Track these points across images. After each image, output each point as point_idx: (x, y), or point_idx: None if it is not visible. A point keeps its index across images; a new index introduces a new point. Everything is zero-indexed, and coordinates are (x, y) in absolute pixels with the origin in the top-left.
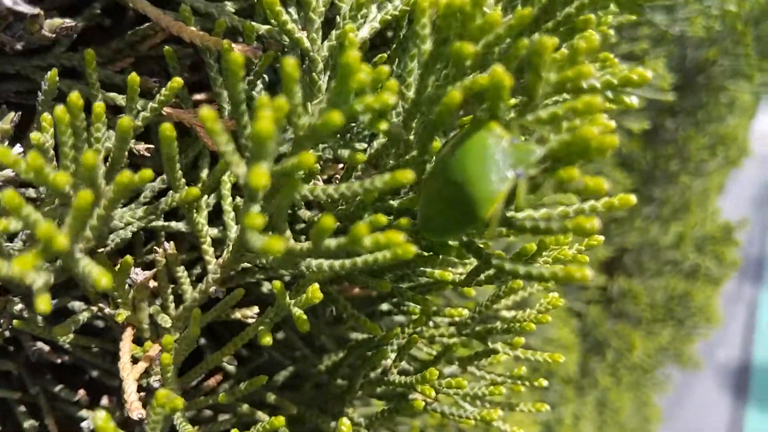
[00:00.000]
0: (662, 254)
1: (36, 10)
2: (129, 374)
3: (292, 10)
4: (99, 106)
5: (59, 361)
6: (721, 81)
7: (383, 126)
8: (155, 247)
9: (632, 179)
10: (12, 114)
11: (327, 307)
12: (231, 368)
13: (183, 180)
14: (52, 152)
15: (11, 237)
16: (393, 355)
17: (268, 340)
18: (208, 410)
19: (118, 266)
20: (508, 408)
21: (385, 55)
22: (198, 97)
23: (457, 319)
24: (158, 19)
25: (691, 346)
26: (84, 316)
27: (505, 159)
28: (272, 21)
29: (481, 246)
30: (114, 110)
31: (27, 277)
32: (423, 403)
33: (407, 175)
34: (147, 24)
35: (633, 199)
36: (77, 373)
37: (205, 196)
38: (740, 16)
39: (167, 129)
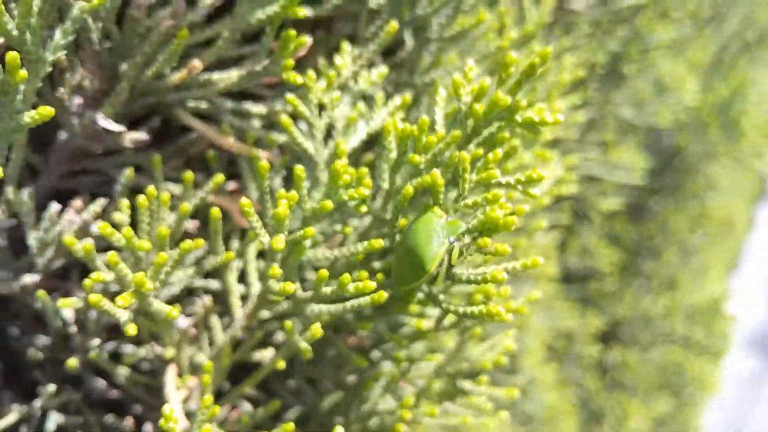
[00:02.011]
0: (654, 326)
1: (122, 128)
2: (174, 396)
3: (303, 125)
4: (166, 196)
5: (114, 393)
6: (695, 163)
7: (363, 209)
8: (197, 299)
9: (619, 255)
10: (102, 200)
11: (328, 349)
12: (249, 408)
13: (223, 247)
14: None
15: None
16: (380, 391)
17: (281, 365)
18: None
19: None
20: None
21: (371, 157)
22: (232, 186)
23: (434, 363)
24: (205, 133)
25: (696, 422)
26: (141, 353)
27: (442, 231)
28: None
29: (439, 296)
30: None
31: (121, 313)
32: (404, 427)
33: (379, 242)
34: (195, 135)
35: (540, 261)
36: (126, 410)
37: (236, 261)
38: (704, 107)
39: (215, 212)
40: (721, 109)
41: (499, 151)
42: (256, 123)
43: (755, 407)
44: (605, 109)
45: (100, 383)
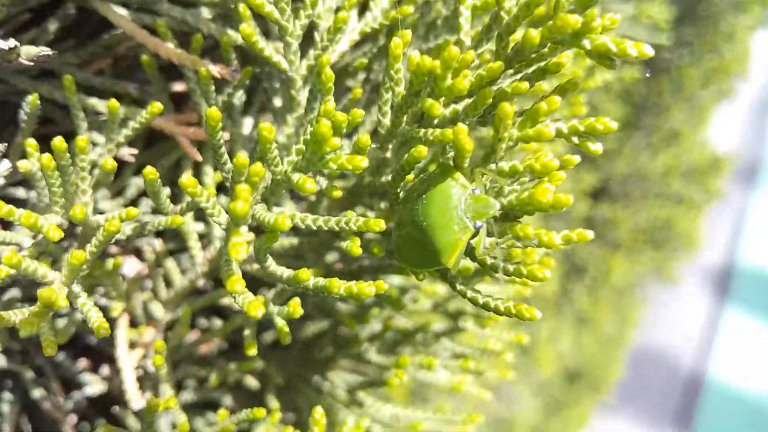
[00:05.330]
0: (648, 183)
1: (13, 44)
2: (127, 362)
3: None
4: (82, 140)
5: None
6: (720, 11)
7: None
8: (147, 244)
9: (625, 110)
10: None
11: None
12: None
13: (171, 206)
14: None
15: None
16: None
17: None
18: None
19: (111, 264)
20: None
21: (364, 61)
22: (178, 88)
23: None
24: (133, 33)
25: (671, 264)
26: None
27: (466, 210)
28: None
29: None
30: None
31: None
32: (397, 382)
33: (379, 224)
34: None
35: (590, 234)
36: (78, 343)
37: (190, 199)
38: None
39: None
40: None
41: (557, 99)
42: (206, 13)
43: None
44: None
45: None
